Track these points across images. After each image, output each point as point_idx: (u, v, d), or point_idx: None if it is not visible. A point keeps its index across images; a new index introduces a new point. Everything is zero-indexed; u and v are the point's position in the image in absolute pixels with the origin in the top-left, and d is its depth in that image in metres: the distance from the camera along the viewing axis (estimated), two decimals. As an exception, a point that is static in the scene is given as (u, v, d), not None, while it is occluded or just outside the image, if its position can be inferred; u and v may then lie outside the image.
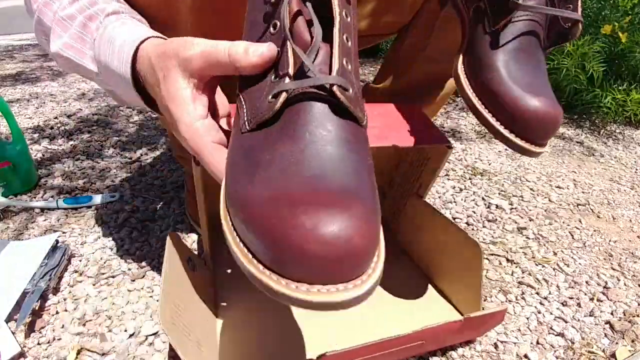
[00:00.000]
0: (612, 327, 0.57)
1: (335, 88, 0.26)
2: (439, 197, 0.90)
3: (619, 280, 0.67)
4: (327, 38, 0.28)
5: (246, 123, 0.28)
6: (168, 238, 0.48)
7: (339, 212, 0.21)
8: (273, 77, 0.28)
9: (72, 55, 0.43)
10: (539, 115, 0.35)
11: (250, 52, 0.29)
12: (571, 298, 0.62)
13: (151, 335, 0.52)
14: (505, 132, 0.36)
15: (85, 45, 0.42)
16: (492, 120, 0.37)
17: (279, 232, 0.20)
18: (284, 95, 0.26)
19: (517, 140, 0.36)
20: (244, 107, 0.29)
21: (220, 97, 0.39)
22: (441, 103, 0.80)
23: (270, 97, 0.27)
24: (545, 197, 0.93)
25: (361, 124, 0.28)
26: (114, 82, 0.40)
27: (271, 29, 0.29)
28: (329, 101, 0.26)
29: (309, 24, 0.29)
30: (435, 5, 0.64)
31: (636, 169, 1.12)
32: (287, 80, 0.27)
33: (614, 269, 0.69)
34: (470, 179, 1.01)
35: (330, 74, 0.26)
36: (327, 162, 0.24)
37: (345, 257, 0.20)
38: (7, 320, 0.53)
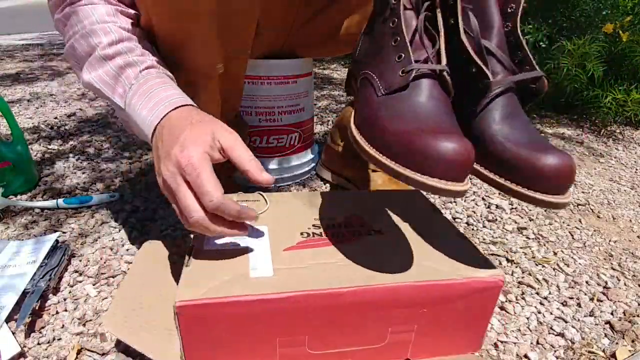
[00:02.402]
0: (612, 327, 0.57)
1: (445, 73, 0.41)
2: (439, 197, 0.90)
3: (619, 280, 0.66)
4: (434, 34, 0.43)
5: (381, 89, 0.42)
6: (144, 244, 0.54)
7: (457, 141, 0.35)
8: (396, 59, 0.42)
9: (103, 88, 0.50)
10: (555, 169, 0.38)
11: (263, 175, 0.41)
12: (571, 298, 0.62)
13: (151, 335, 0.52)
14: (530, 193, 0.39)
15: (118, 83, 0.49)
16: (513, 186, 0.40)
17: (423, 147, 0.35)
18: (413, 73, 0.41)
19: (543, 197, 0.38)
20: (376, 79, 0.43)
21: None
22: None
23: (400, 72, 0.41)
24: (545, 197, 0.93)
25: (450, 95, 0.43)
26: (132, 120, 0.49)
27: (392, 42, 0.43)
28: (440, 79, 0.42)
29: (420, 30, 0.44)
30: None
31: (636, 169, 1.12)
32: (414, 63, 0.41)
33: (614, 269, 0.69)
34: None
35: (440, 63, 0.42)
36: (442, 114, 0.40)
37: (461, 166, 0.36)
38: (7, 320, 0.53)
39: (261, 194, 0.58)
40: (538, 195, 0.38)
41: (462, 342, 0.47)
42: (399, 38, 0.42)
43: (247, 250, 0.46)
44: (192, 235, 0.48)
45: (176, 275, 0.53)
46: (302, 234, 0.49)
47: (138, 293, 0.50)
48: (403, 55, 0.42)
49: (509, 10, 0.46)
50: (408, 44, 0.42)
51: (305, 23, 0.76)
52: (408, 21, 0.43)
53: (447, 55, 0.43)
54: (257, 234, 0.49)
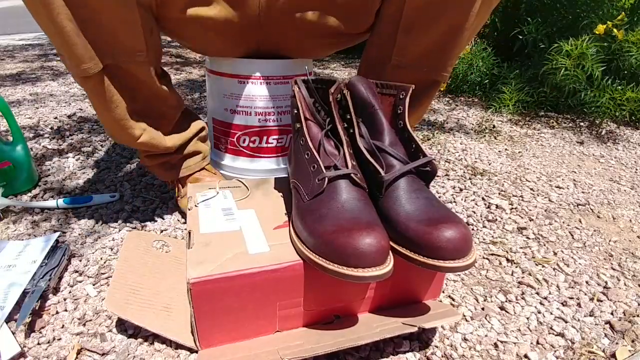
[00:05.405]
0: (612, 327, 0.57)
1: (352, 174, 0.49)
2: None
3: (619, 280, 0.67)
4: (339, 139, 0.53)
5: (305, 196, 0.50)
6: (128, 235, 0.60)
7: (370, 232, 0.42)
8: (311, 169, 0.50)
9: None
10: (452, 240, 0.43)
11: None
12: (571, 298, 0.62)
13: (151, 335, 0.52)
14: (432, 262, 0.44)
15: None
16: (420, 258, 0.45)
17: (343, 244, 0.42)
18: (326, 180, 0.49)
19: (444, 264, 0.44)
20: (301, 188, 0.51)
21: None
22: (422, 111, 0.77)
23: (316, 180, 0.49)
24: (545, 197, 0.93)
25: (366, 191, 0.50)
26: None
27: (306, 156, 0.51)
28: (350, 180, 0.49)
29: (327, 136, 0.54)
30: (395, 12, 0.63)
31: (636, 169, 1.12)
32: (324, 171, 0.49)
33: (614, 269, 0.69)
34: (470, 179, 1.01)
35: (347, 167, 0.50)
36: (356, 209, 0.46)
37: (376, 254, 0.42)
38: (7, 320, 0.53)
39: (241, 181, 0.65)
40: (439, 263, 0.44)
41: (425, 291, 0.56)
42: (309, 153, 0.51)
43: (240, 232, 0.52)
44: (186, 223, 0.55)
45: (163, 261, 0.60)
46: (286, 213, 0.57)
47: (133, 278, 0.55)
48: (315, 165, 0.50)
49: (399, 112, 0.54)
50: (317, 156, 0.50)
51: (283, 18, 0.71)
52: (314, 136, 0.52)
53: (355, 157, 0.52)
54: (246, 217, 0.55)
